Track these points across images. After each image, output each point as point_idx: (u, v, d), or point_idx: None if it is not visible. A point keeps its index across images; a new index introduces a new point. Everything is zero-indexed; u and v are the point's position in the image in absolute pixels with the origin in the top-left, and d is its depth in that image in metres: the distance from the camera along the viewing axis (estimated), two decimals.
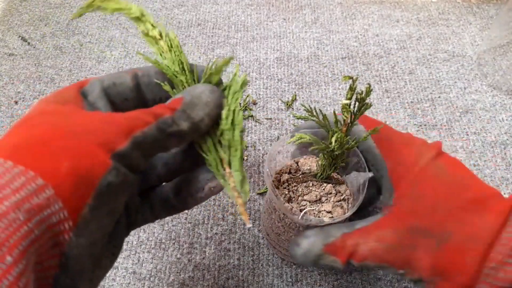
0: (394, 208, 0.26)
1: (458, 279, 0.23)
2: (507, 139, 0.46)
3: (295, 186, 0.32)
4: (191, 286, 0.36)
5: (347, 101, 0.25)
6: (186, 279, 0.37)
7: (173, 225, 0.40)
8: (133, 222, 0.25)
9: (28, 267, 0.16)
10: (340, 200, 0.31)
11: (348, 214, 0.29)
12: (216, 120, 0.23)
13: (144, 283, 0.36)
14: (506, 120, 0.48)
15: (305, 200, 0.31)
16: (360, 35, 0.58)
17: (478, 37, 0.57)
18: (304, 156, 0.34)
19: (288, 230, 0.32)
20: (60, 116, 0.20)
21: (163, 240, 0.39)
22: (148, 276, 0.37)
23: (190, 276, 0.37)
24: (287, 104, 0.50)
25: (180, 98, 0.22)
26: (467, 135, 0.47)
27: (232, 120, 0.23)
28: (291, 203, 0.31)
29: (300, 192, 0.31)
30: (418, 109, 0.49)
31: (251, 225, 0.29)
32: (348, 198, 0.31)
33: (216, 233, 0.39)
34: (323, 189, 0.31)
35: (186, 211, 0.41)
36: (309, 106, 0.28)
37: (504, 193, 0.42)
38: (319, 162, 0.31)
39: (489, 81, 0.52)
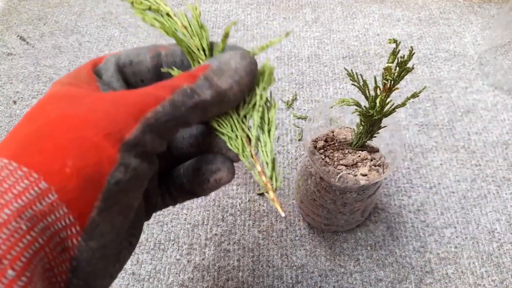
0: None
1: None
2: (509, 139, 0.46)
3: (331, 152, 0.33)
4: (191, 287, 0.36)
5: (390, 65, 0.25)
6: (186, 280, 0.36)
7: (172, 226, 0.40)
8: (153, 206, 0.23)
9: (33, 278, 0.15)
10: (375, 165, 0.32)
11: (384, 175, 0.30)
12: (246, 91, 0.21)
13: (143, 284, 0.36)
14: (508, 120, 0.47)
15: (341, 165, 0.32)
16: (361, 34, 0.58)
17: (480, 37, 0.57)
18: (340, 126, 0.35)
19: (324, 194, 0.33)
20: (71, 101, 0.18)
21: (162, 241, 0.39)
22: (147, 277, 0.37)
23: (190, 277, 0.37)
24: (287, 104, 0.49)
25: (206, 65, 0.20)
26: (469, 135, 0.46)
27: (268, 97, 0.21)
28: (328, 167, 0.32)
29: (336, 158, 0.32)
30: (420, 108, 0.49)
31: (285, 214, 0.28)
32: (383, 164, 0.32)
33: (215, 234, 0.39)
34: (359, 156, 0.32)
35: (186, 211, 0.41)
36: (351, 70, 0.28)
37: (506, 194, 0.41)
38: (356, 131, 0.32)
39: (491, 81, 0.51)
